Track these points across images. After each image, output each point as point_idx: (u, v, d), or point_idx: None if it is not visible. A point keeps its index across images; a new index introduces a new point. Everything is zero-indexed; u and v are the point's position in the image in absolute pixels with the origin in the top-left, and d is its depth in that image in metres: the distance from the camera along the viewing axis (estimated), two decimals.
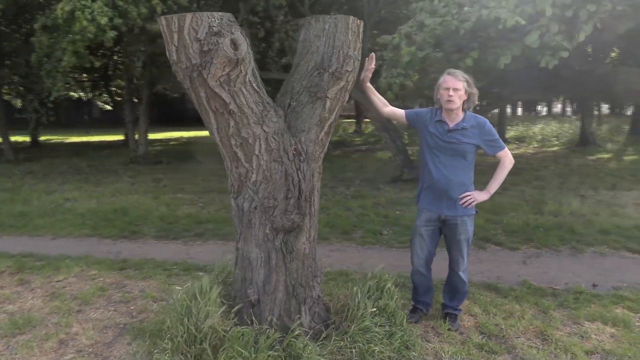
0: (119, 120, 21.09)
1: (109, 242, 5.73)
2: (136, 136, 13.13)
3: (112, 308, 3.74)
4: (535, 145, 17.23)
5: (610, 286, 4.27)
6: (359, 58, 2.98)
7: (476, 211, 3.33)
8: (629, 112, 34.48)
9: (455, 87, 3.11)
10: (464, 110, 3.21)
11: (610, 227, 6.01)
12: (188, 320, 2.83)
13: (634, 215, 6.70)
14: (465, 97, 3.15)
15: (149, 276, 4.42)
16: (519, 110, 42.28)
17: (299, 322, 2.93)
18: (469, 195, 3.22)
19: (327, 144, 3.07)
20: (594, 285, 4.30)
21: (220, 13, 2.52)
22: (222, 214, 6.97)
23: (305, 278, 2.99)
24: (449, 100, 3.13)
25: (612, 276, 4.53)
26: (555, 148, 16.34)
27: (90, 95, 18.51)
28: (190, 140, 20.67)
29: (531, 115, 39.34)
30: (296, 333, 2.86)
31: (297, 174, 2.85)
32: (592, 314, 3.60)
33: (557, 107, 43.17)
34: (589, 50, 7.02)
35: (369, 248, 5.53)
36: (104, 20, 7.76)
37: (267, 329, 2.86)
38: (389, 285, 3.36)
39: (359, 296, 3.15)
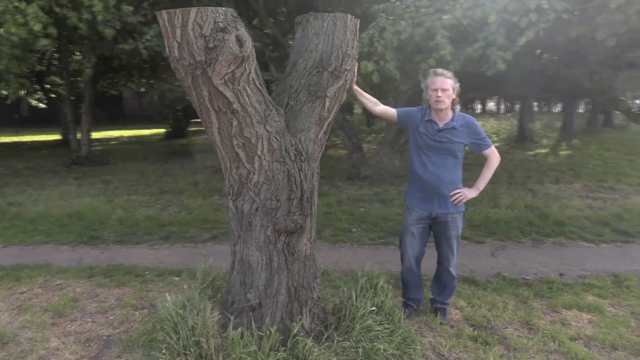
0: (52, 118, 19.93)
1: (67, 249, 5.39)
2: (78, 136, 12.43)
3: (90, 319, 3.52)
4: None
5: (576, 275, 4.53)
6: (357, 57, 2.98)
7: (465, 208, 3.42)
8: (557, 109, 36.80)
9: (444, 88, 3.17)
10: (452, 109, 3.29)
11: (563, 218, 6.37)
12: (182, 329, 2.73)
13: (580, 206, 7.14)
14: (453, 97, 3.22)
15: (122, 283, 4.20)
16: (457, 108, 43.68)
17: (301, 323, 2.88)
18: (459, 192, 3.30)
19: (325, 143, 3.04)
20: (561, 275, 4.54)
21: (223, 8, 2.42)
22: (183, 215, 6.75)
23: (306, 280, 2.95)
24: (438, 101, 3.18)
25: (575, 265, 4.80)
26: (496, 144, 17.10)
27: (21, 92, 17.28)
28: (132, 140, 19.86)
29: (468, 112, 40.96)
30: (300, 335, 2.82)
31: (299, 174, 2.80)
32: (568, 302, 3.80)
33: (490, 105, 45.21)
34: (537, 52, 7.37)
35: (341, 246, 5.54)
36: (37, 27, 7.24)
37: (268, 332, 2.79)
38: (381, 282, 3.38)
39: (354, 295, 3.15)
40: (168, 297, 2.96)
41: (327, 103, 2.89)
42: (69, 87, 12.75)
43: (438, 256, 3.54)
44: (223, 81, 2.46)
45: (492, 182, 9.20)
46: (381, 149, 10.12)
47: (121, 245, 5.50)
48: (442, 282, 3.56)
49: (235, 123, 2.60)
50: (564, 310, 3.69)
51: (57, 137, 17.95)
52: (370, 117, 23.46)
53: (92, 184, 9.17)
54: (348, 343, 2.85)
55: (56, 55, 14.53)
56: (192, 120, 21.51)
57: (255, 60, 2.62)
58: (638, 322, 3.48)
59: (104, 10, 7.46)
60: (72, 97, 13.11)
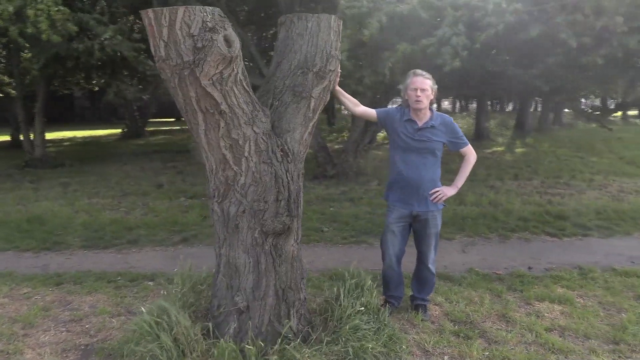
0: None
1: (30, 256, 5.15)
2: (30, 136, 11.88)
3: (64, 328, 3.38)
4: None
5: (543, 268, 4.71)
6: (340, 57, 2.99)
7: (444, 205, 3.49)
8: (508, 108, 38.08)
9: (423, 88, 3.22)
10: (430, 109, 3.35)
11: (526, 214, 6.61)
12: (165, 338, 2.66)
13: (541, 202, 7.43)
14: (432, 97, 3.28)
15: (94, 290, 4.06)
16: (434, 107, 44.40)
17: (289, 325, 2.87)
18: (439, 190, 3.37)
19: (309, 144, 3.04)
20: (530, 268, 4.71)
21: (210, 8, 2.38)
22: (150, 218, 6.58)
23: (294, 281, 2.94)
24: (417, 101, 3.24)
25: (541, 258, 4.99)
26: None
27: None
28: (87, 141, 19.15)
29: None
30: (289, 337, 2.81)
31: (286, 175, 2.79)
32: (539, 295, 3.95)
33: (445, 104, 46.30)
34: (493, 51, 7.58)
35: (314, 246, 5.55)
36: None
37: (254, 337, 2.77)
38: (369, 282, 3.42)
39: (342, 295, 3.16)
40: (147, 306, 2.87)
41: (312, 104, 2.88)
42: (20, 86, 12.16)
43: (418, 254, 3.61)
44: (211, 82, 2.42)
45: (453, 179, 9.54)
46: (346, 148, 10.18)
47: (88, 250, 5.31)
48: (422, 279, 3.62)
49: (222, 124, 2.55)
50: (536, 303, 3.83)
51: (6, 138, 17.09)
52: (331, 116, 23.56)
53: (50, 187, 8.79)
54: (340, 344, 2.86)
55: (3, 52, 13.85)
56: (150, 120, 20.98)
57: (242, 61, 2.58)
58: (606, 312, 3.65)
59: (50, 27, 6.97)
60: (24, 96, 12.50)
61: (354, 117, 9.59)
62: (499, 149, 15.20)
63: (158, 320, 2.69)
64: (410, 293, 3.74)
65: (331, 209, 7.16)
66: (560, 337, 3.27)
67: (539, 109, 25.50)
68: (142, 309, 3.04)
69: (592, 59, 5.84)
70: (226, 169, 2.70)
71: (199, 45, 2.32)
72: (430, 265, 3.56)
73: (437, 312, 3.67)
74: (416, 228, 3.50)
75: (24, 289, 4.09)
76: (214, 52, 2.35)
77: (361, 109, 3.37)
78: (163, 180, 9.63)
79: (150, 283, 4.29)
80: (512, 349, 3.11)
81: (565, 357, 3.02)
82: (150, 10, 2.30)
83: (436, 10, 5.85)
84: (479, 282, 4.26)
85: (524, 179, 9.58)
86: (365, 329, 2.98)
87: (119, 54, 8.24)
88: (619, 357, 3.02)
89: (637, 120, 27.77)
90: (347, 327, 2.94)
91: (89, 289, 4.07)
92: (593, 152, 13.45)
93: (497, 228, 6.05)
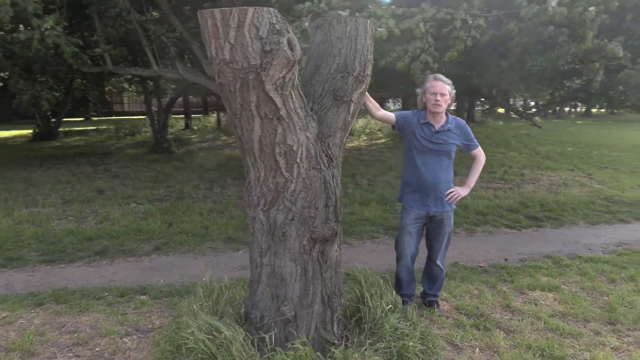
0: None
1: None
2: None
3: (72, 354, 3.08)
4: (365, 139, 18.84)
5: (517, 259, 5.06)
6: (372, 62, 3.01)
7: (456, 205, 3.65)
8: None
9: (442, 92, 3.35)
10: (445, 112, 3.48)
11: (482, 208, 7.05)
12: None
13: (489, 197, 7.95)
14: (449, 101, 3.41)
15: (85, 308, 3.73)
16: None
17: (335, 331, 2.86)
18: (453, 191, 3.52)
19: (345, 147, 3.03)
20: (506, 260, 5.04)
21: (272, 9, 2.30)
22: (108, 227, 6.13)
23: (337, 286, 2.92)
24: (436, 104, 3.36)
25: (511, 250, 5.35)
26: (382, 140, 18.13)
27: None
28: None
29: None
30: (336, 343, 2.80)
31: (332, 181, 2.77)
32: (529, 284, 4.24)
33: (388, 104, 47.45)
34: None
35: None
36: None
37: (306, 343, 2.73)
38: (381, 281, 3.47)
39: (368, 296, 3.19)
40: (192, 324, 2.70)
41: (352, 108, 2.88)
42: None
43: (429, 252, 3.73)
44: (274, 86, 2.34)
45: (395, 177, 9.87)
46: None
47: (52, 265, 4.85)
48: (434, 276, 3.76)
49: (280, 130, 2.48)
50: (529, 292, 4.12)
51: None
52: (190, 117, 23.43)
53: None
54: (381, 344, 2.89)
55: None
56: (65, 120, 19.45)
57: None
58: (592, 296, 4.02)
59: None
60: None
61: None
62: None
63: (210, 337, 2.55)
64: (421, 290, 3.86)
65: None
66: (564, 321, 3.55)
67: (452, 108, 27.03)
68: (188, 327, 2.85)
69: (540, 63, 6.35)
70: (277, 175, 2.62)
71: (267, 48, 2.24)
72: (440, 263, 3.70)
73: (446, 307, 3.82)
74: (430, 228, 3.62)
75: (1, 313, 3.66)
76: (280, 56, 2.27)
77: (382, 112, 3.42)
78: (101, 185, 9.00)
79: (144, 297, 4.03)
80: (529, 336, 3.32)
81: (577, 340, 3.28)
82: (217, 10, 2.18)
83: (408, 29, 5.99)
84: (470, 275, 4.48)
85: (463, 175, 10.13)
86: (402, 328, 3.04)
87: (53, 50, 7.57)
88: (620, 335, 3.35)
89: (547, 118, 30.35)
90: (387, 326, 2.98)
91: (78, 307, 3.73)
92: (510, 148, 14.54)
93: (461, 223, 6.38)
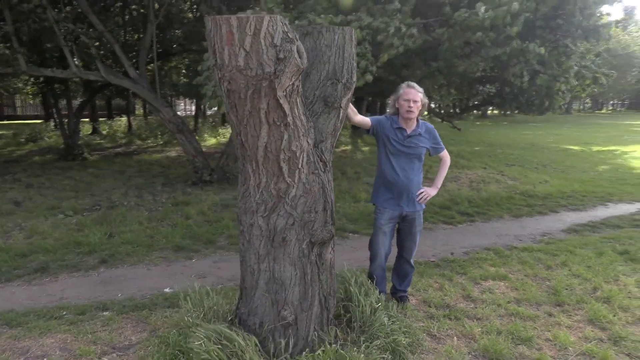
0: None
1: None
2: None
3: None
4: None
5: (461, 252, 5.45)
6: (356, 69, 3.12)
7: (425, 205, 3.87)
8: None
9: (415, 99, 3.54)
10: (416, 118, 3.68)
11: None
12: None
13: None
14: (421, 108, 3.62)
15: (46, 330, 3.44)
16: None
17: (335, 331, 2.93)
18: (424, 191, 3.73)
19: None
20: (452, 254, 5.40)
21: (281, 17, 2.33)
22: (39, 241, 5.64)
23: (332, 287, 2.99)
24: (409, 111, 3.55)
25: (453, 244, 5.74)
26: None
27: None
28: None
29: None
30: (330, 342, 2.87)
31: (328, 185, 2.84)
32: (481, 275, 4.59)
33: None
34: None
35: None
36: None
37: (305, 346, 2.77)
38: (363, 279, 3.59)
39: (356, 295, 3.30)
40: (200, 334, 2.63)
41: (341, 114, 2.97)
42: None
43: (401, 250, 3.92)
44: (285, 93, 2.37)
45: (335, 177, 10.09)
46: (226, 152, 10.00)
47: None
48: (404, 272, 3.95)
49: (285, 137, 2.51)
50: (482, 282, 4.47)
51: None
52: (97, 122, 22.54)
53: None
54: (375, 341, 3.00)
55: None
56: None
57: None
58: (536, 282, 4.45)
59: None
60: None
61: None
62: (346, 148, 16.41)
63: (220, 347, 2.50)
64: (391, 286, 4.04)
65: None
66: (521, 306, 3.91)
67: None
68: (196, 338, 2.74)
69: (468, 65, 6.86)
70: (279, 181, 2.64)
71: (281, 56, 2.27)
72: (411, 260, 3.90)
73: (415, 301, 4.03)
74: (403, 227, 3.81)
75: None
76: (291, 64, 2.31)
77: (359, 117, 3.54)
78: (15, 196, 8.24)
79: (107, 313, 3.80)
80: (496, 322, 3.62)
81: (535, 322, 3.64)
82: (233, 17, 2.17)
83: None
84: (427, 270, 4.75)
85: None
86: (389, 324, 3.18)
87: None
88: (570, 315, 3.76)
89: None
90: (377, 324, 3.10)
91: (38, 329, 3.44)
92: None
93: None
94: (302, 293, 2.82)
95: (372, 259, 3.83)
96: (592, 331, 3.49)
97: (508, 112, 33.10)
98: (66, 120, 13.54)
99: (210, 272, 4.88)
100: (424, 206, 3.81)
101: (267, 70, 2.26)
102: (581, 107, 56.44)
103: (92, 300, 4.09)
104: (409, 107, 3.52)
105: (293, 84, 2.38)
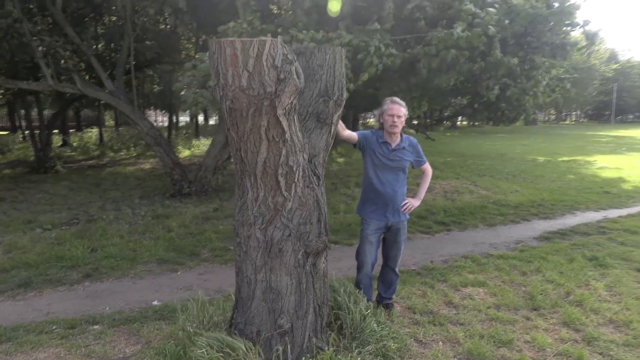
0: None
1: None
2: None
3: None
4: None
5: (440, 260, 5.65)
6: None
7: (409, 216, 4.03)
8: None
9: (399, 114, 3.72)
10: (400, 132, 3.86)
11: None
12: None
13: None
14: (404, 122, 3.80)
15: (38, 344, 3.45)
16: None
17: (331, 337, 3.04)
18: (408, 202, 3.90)
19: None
20: (432, 262, 5.59)
21: (281, 40, 2.47)
22: (21, 255, 5.54)
23: (325, 295, 3.11)
24: (393, 125, 3.72)
25: (431, 253, 5.94)
26: None
27: None
28: None
29: None
30: (324, 349, 2.99)
31: (321, 197, 2.97)
32: (461, 282, 4.78)
33: None
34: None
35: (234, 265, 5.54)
36: None
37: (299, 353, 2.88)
38: (351, 288, 3.72)
39: (347, 302, 3.43)
40: (202, 342, 2.70)
41: (332, 129, 3.12)
42: None
43: (386, 259, 4.07)
44: (284, 111, 2.50)
45: None
46: (205, 164, 10.02)
47: None
48: (389, 280, 4.10)
49: (284, 152, 2.63)
50: (462, 288, 4.66)
51: None
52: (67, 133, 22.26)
53: None
54: (370, 347, 3.13)
55: None
56: None
57: None
58: (512, 288, 4.66)
59: None
60: None
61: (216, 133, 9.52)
62: None
63: (222, 354, 2.58)
64: (376, 294, 4.18)
65: (221, 227, 7.10)
66: (500, 311, 4.11)
67: None
68: (199, 346, 2.81)
69: (443, 81, 7.14)
70: (276, 195, 2.76)
71: (281, 76, 2.40)
72: (396, 269, 4.06)
73: (399, 308, 4.18)
74: (388, 237, 3.96)
75: None
76: (291, 83, 2.45)
77: (347, 132, 3.69)
78: None
79: (97, 327, 3.82)
80: (478, 326, 3.80)
81: (514, 326, 3.83)
82: (237, 40, 2.30)
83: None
84: (409, 278, 4.92)
85: (359, 186, 10.78)
86: (379, 330, 3.32)
87: None
88: (546, 319, 3.98)
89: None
90: (368, 331, 3.24)
91: (29, 344, 3.44)
92: None
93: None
94: (297, 301, 2.93)
95: (359, 268, 3.97)
96: (567, 333, 3.71)
97: (477, 123, 34.03)
98: (37, 132, 13.31)
99: (197, 284, 4.92)
100: (408, 216, 3.98)
101: (268, 90, 2.39)
102: (546, 118, 58.44)
103: (81, 314, 4.10)
104: (393, 121, 3.70)
105: (291, 102, 2.52)
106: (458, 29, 6.03)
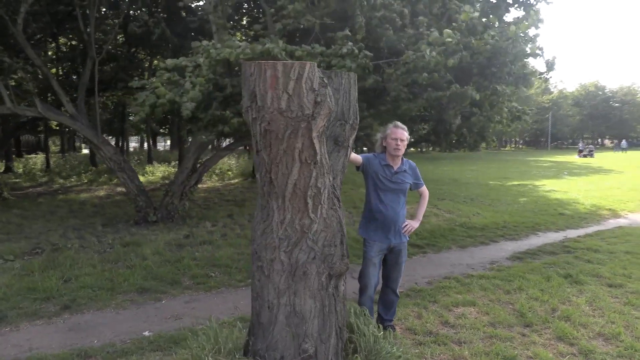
0: None
1: None
2: None
3: None
4: (216, 178, 18.68)
5: (425, 282, 5.75)
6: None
7: (409, 237, 4.11)
8: None
9: (402, 138, 3.84)
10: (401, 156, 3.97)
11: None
12: None
13: None
14: (405, 145, 3.91)
15: None
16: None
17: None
18: (408, 224, 3.99)
19: None
20: (416, 284, 5.68)
21: (313, 63, 2.52)
22: None
23: (345, 318, 3.10)
24: (397, 148, 3.83)
25: (413, 275, 6.03)
26: (236, 180, 18.21)
27: None
28: None
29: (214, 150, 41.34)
30: None
31: (343, 219, 2.99)
32: (451, 302, 4.89)
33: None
34: None
35: (219, 292, 5.42)
36: None
37: None
38: (360, 310, 3.73)
39: (358, 324, 3.42)
40: None
41: (348, 152, 3.18)
42: None
43: (387, 281, 4.12)
44: (318, 134, 2.53)
45: None
46: (171, 190, 9.76)
47: None
48: (389, 302, 4.14)
49: (314, 174, 2.65)
50: (454, 308, 4.76)
51: None
52: (94, 156, 21.41)
53: None
54: None
55: None
56: None
57: None
58: (502, 306, 4.81)
59: None
60: None
61: (181, 158, 9.32)
62: None
63: None
64: (376, 316, 4.20)
65: (197, 254, 6.91)
66: (496, 329, 4.22)
67: None
68: None
69: (412, 106, 7.39)
70: (303, 217, 2.76)
71: (318, 99, 2.44)
72: (397, 290, 4.11)
73: (399, 330, 4.21)
74: (389, 258, 4.02)
75: None
76: (325, 106, 2.49)
77: (352, 155, 3.74)
78: None
79: None
80: (479, 344, 3.89)
81: (513, 343, 3.95)
82: (279, 63, 2.33)
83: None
84: (400, 300, 4.92)
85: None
86: (392, 350, 3.33)
87: None
88: (541, 334, 4.13)
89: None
90: (384, 353, 3.24)
91: None
92: (360, 183, 15.97)
93: (360, 255, 6.91)
94: (321, 325, 2.91)
95: (362, 290, 3.99)
96: (563, 347, 3.86)
97: (424, 150, 35.15)
98: None
99: (185, 312, 4.76)
100: (408, 238, 4.05)
101: (306, 112, 2.42)
102: (487, 145, 61.28)
103: (69, 349, 3.85)
104: (397, 145, 3.80)
105: (324, 124, 2.55)
106: (427, 50, 6.27)
